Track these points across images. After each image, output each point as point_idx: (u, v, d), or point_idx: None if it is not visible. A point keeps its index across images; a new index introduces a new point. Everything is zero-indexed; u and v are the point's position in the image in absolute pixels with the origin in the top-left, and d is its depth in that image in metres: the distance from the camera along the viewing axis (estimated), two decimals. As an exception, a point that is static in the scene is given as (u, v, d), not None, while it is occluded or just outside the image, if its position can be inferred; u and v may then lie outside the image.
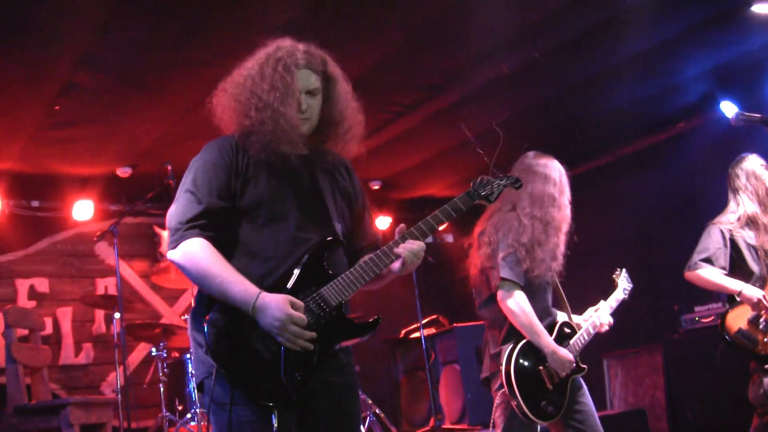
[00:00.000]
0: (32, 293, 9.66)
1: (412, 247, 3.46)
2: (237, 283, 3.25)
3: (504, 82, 7.77)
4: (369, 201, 3.91)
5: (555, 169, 5.36)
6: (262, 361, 3.23)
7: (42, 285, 9.74)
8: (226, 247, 3.39)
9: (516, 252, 5.12)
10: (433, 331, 9.55)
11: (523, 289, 5.09)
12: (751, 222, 6.03)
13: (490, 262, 5.22)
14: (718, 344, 6.16)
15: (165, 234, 10.08)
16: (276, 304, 3.20)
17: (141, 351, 9.99)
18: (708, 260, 6.04)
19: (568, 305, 5.42)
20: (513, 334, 5.11)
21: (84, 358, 9.76)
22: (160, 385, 7.89)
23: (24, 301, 9.51)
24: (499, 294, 5.09)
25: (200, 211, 3.36)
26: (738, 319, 5.84)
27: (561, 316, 5.38)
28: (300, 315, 3.22)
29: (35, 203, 9.88)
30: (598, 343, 8.99)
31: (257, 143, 3.46)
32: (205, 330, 3.26)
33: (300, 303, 3.26)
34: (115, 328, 8.46)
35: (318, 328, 3.28)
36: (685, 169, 9.35)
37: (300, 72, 3.51)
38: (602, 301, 5.58)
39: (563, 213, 5.30)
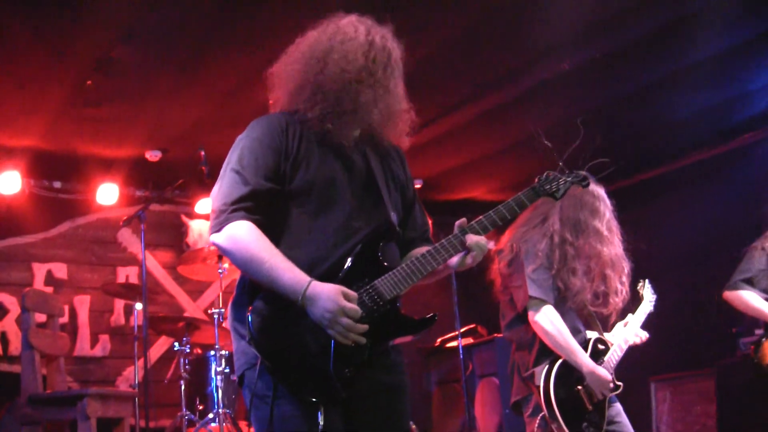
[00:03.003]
0: (49, 279, 9.76)
1: (480, 241, 3.43)
2: (287, 270, 3.21)
3: (562, 83, 7.77)
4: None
5: (605, 203, 5.38)
6: (309, 353, 3.21)
7: (60, 271, 9.83)
8: (272, 233, 3.36)
9: (544, 266, 5.17)
10: (470, 341, 9.47)
11: (553, 306, 5.13)
12: None
13: (515, 279, 5.27)
14: (747, 373, 6.16)
15: (193, 224, 10.25)
16: (328, 294, 3.16)
17: (161, 346, 10.08)
18: (749, 281, 6.06)
19: (599, 323, 5.45)
20: (545, 354, 5.15)
21: (100, 350, 9.85)
22: (181, 382, 7.90)
23: (40, 287, 9.57)
24: (530, 314, 5.13)
25: (246, 192, 3.34)
26: None
27: (590, 334, 5.40)
28: (354, 306, 3.18)
29: (57, 184, 9.98)
30: (646, 364, 8.98)
31: (324, 105, 3.45)
32: (249, 319, 3.25)
33: (353, 294, 3.22)
34: (136, 320, 8.54)
35: (370, 322, 3.24)
36: (748, 182, 9.28)
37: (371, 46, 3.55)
38: (630, 315, 5.62)
39: (615, 251, 5.32)
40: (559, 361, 5.09)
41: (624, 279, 5.33)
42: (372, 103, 3.47)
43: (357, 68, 3.45)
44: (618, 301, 5.33)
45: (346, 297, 3.20)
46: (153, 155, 9.24)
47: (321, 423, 3.19)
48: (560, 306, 5.19)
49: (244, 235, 3.30)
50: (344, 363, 3.22)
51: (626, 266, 5.35)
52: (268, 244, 3.29)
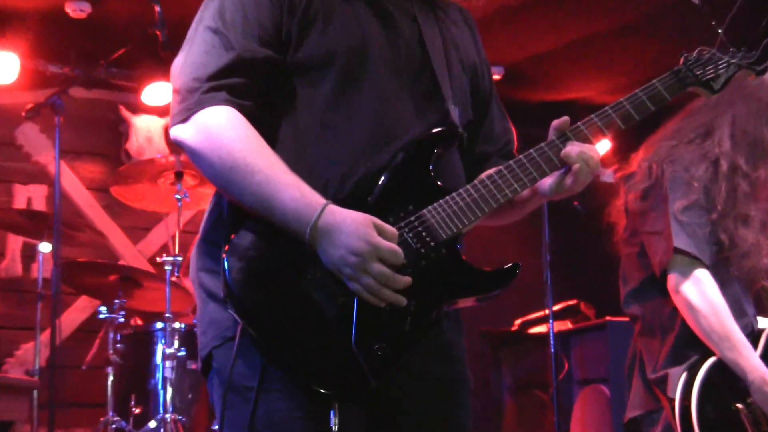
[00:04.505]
0: None
1: (586, 151, 3.37)
2: (289, 186, 3.17)
3: None
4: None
5: None
6: (319, 320, 3.16)
7: None
8: (267, 129, 3.33)
9: (701, 205, 5.03)
10: (568, 326, 9.55)
11: (709, 269, 4.97)
12: None
13: (650, 221, 5.15)
14: None
15: (138, 121, 10.35)
16: (353, 227, 3.11)
17: (80, 311, 10.24)
18: None
19: None
20: (689, 346, 5.02)
21: (-19, 315, 9.92)
22: (109, 369, 7.89)
23: None
24: (671, 279, 4.98)
25: (229, 61, 3.30)
26: None
27: (762, 323, 5.22)
28: (391, 246, 3.12)
29: None
30: None
31: None
32: (225, 264, 3.19)
33: (391, 229, 3.18)
34: (40, 270, 8.62)
35: (415, 274, 3.19)
36: None
37: None
38: None
39: None
40: (711, 360, 4.94)
41: None
42: None
43: None
44: None
45: (381, 232, 3.14)
46: (78, 9, 9.28)
47: (335, 426, 3.12)
48: (719, 271, 5.03)
49: (225, 128, 3.25)
50: (373, 335, 3.16)
51: None
52: (263, 145, 3.26)
